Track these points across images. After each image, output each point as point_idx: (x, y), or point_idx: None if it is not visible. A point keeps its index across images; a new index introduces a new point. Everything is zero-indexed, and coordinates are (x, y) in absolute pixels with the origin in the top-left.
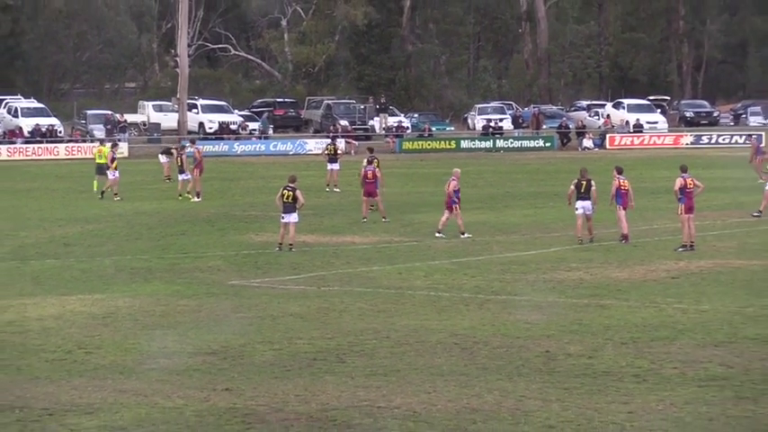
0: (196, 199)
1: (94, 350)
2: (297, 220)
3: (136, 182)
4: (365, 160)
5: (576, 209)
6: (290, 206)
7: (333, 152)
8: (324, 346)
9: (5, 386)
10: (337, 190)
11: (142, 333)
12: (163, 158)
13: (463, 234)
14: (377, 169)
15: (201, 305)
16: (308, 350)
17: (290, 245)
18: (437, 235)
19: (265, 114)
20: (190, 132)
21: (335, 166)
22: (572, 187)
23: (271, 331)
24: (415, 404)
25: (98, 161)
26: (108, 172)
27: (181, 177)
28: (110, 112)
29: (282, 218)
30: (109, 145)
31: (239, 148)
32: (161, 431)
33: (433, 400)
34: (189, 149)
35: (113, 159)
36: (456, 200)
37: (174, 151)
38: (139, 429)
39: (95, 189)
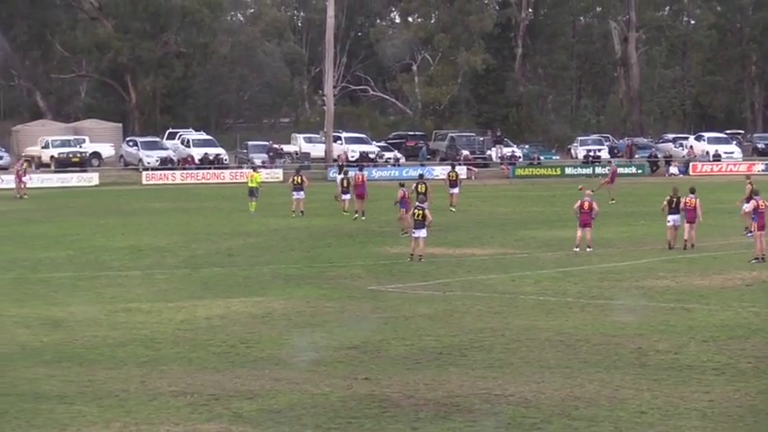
0: (362, 217)
1: (254, 344)
2: (426, 234)
3: (288, 202)
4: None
5: (668, 221)
6: (420, 223)
7: (454, 178)
8: (448, 342)
9: (179, 375)
10: (453, 209)
11: (294, 330)
12: (338, 176)
13: (589, 248)
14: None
15: (345, 307)
16: (435, 346)
17: (420, 256)
18: (575, 250)
19: (424, 147)
20: (335, 160)
21: (456, 190)
22: (665, 203)
23: (403, 329)
24: (527, 392)
25: (250, 185)
26: (293, 192)
27: (295, 196)
28: (270, 143)
29: (413, 233)
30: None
31: (377, 173)
32: (310, 414)
33: (541, 389)
34: (350, 173)
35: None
36: (593, 218)
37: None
38: (292, 412)
39: (251, 210)
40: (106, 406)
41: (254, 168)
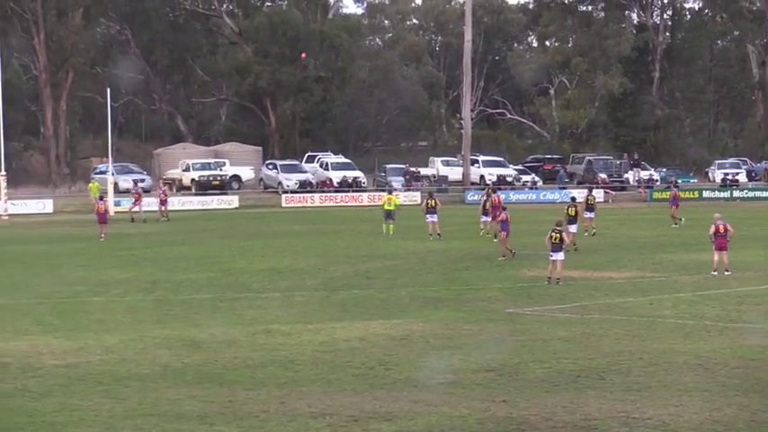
0: (494, 240)
1: (392, 366)
2: (563, 258)
3: (425, 225)
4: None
5: None
6: (557, 246)
7: (592, 202)
8: (586, 365)
9: (318, 396)
10: (586, 234)
11: (432, 352)
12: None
13: (727, 271)
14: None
15: (482, 329)
16: (572, 368)
17: (558, 279)
18: (713, 273)
19: (563, 171)
20: (473, 184)
21: (592, 215)
22: None
23: (541, 352)
24: (665, 416)
25: (386, 208)
26: (427, 215)
27: (428, 219)
28: (407, 166)
29: (551, 256)
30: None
31: (514, 196)
32: None
33: (680, 413)
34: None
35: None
36: (728, 240)
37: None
38: None
39: (385, 232)
40: (246, 426)
41: (390, 192)
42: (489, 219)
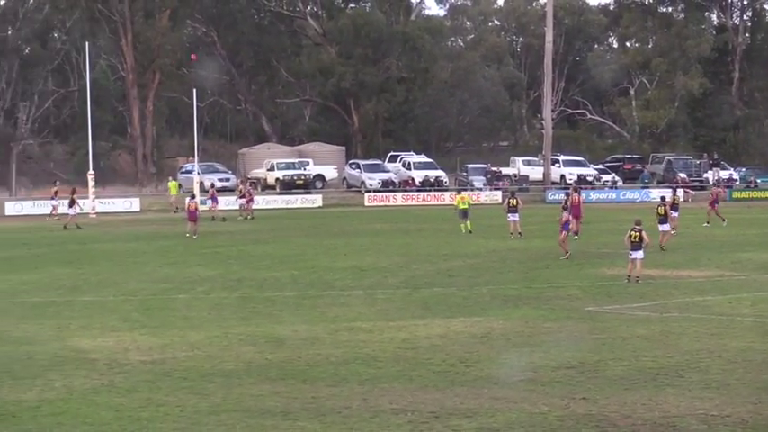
0: (575, 237)
1: (473, 363)
2: (642, 256)
3: (505, 224)
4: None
5: None
6: (636, 245)
7: (677, 202)
8: (665, 363)
9: (400, 393)
10: (672, 232)
11: (513, 350)
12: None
13: None
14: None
15: (562, 327)
16: (651, 366)
17: (637, 277)
18: None
19: (645, 171)
20: (553, 183)
21: (676, 214)
22: None
23: (620, 350)
24: (744, 413)
25: (461, 207)
26: (508, 214)
27: (510, 218)
28: (488, 165)
29: (630, 254)
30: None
31: (594, 196)
32: None
33: (759, 410)
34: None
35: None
36: None
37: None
38: (510, 431)
39: (464, 231)
40: (328, 422)
41: (459, 191)
42: (516, 218)
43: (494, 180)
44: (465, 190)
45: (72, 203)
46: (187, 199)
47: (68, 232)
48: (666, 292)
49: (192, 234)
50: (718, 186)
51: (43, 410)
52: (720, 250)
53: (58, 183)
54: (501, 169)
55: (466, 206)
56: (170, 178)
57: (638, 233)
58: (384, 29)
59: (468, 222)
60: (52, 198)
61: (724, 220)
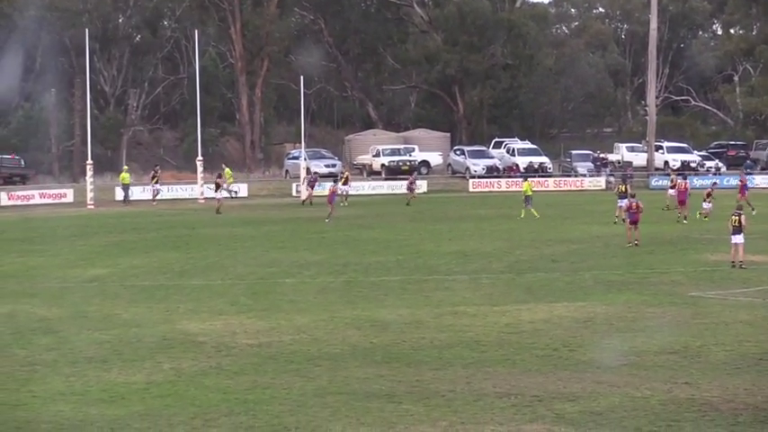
0: (684, 221)
1: (576, 348)
2: (742, 240)
3: (611, 209)
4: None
5: None
6: (737, 229)
7: None
8: None
9: (503, 377)
10: None
11: (616, 335)
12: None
13: None
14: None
15: (665, 312)
16: (755, 351)
17: (741, 262)
18: None
19: (748, 161)
20: (656, 169)
21: None
22: None
23: (723, 335)
24: None
25: (526, 193)
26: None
27: (620, 203)
28: (596, 152)
29: (732, 239)
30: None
31: (698, 182)
32: (631, 416)
33: None
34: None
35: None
36: None
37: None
38: (613, 414)
39: (533, 214)
40: (433, 405)
41: (526, 178)
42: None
43: (600, 167)
44: (569, 176)
45: (218, 187)
46: (328, 184)
47: (179, 217)
48: None
49: (326, 217)
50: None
51: (152, 392)
52: None
53: (158, 167)
54: (606, 156)
55: (530, 192)
56: (223, 166)
57: (737, 217)
58: (489, 16)
59: (531, 209)
60: (156, 183)
61: (753, 209)
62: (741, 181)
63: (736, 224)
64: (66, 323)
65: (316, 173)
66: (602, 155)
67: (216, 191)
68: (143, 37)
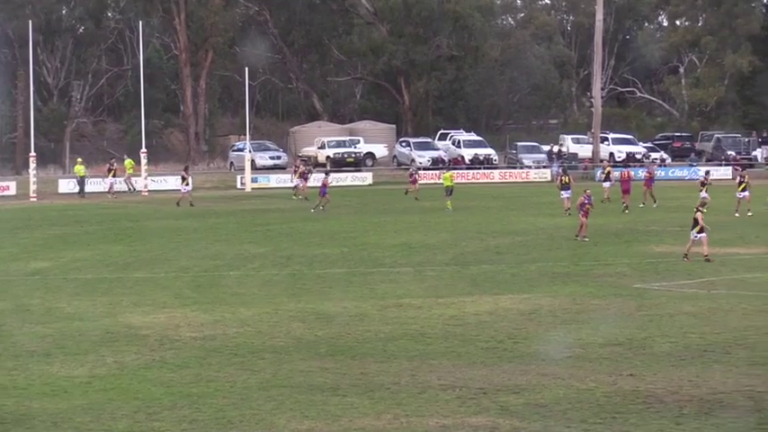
0: (626, 211)
1: (521, 340)
2: (705, 234)
3: (555, 201)
4: None
5: None
6: (696, 225)
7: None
8: (712, 339)
9: (448, 369)
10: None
11: (561, 327)
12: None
13: None
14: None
15: (610, 304)
16: (699, 343)
17: (706, 256)
18: None
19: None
20: (602, 161)
21: (746, 194)
22: None
23: (668, 327)
24: None
25: (447, 184)
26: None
27: (563, 195)
28: (552, 146)
29: (692, 235)
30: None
31: (643, 174)
32: (576, 408)
33: None
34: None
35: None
36: None
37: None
38: (558, 407)
39: (449, 207)
40: (377, 398)
41: (447, 169)
42: (569, 195)
43: (556, 159)
44: (515, 168)
45: (183, 180)
46: (322, 175)
47: (122, 210)
48: (714, 269)
49: (321, 207)
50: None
51: (94, 386)
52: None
53: (113, 160)
54: (562, 148)
55: (451, 184)
56: (124, 156)
57: (696, 214)
58: (435, 7)
59: (449, 201)
60: (113, 176)
61: (655, 202)
62: (648, 173)
63: (697, 221)
64: (8, 317)
65: (309, 166)
66: (556, 147)
67: (186, 184)
68: (87, 28)
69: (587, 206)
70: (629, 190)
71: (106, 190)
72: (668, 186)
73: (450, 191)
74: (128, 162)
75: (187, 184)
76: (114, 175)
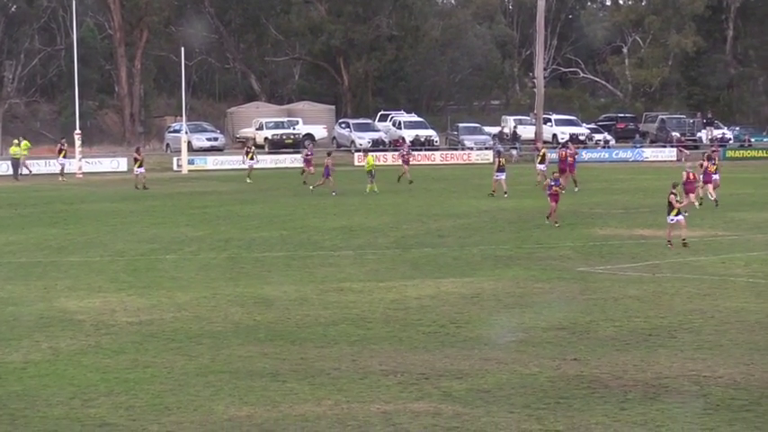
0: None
1: (464, 324)
2: (681, 217)
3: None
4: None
5: None
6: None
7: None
8: (657, 323)
9: (390, 354)
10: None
11: (504, 311)
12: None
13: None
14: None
15: (554, 288)
16: (644, 327)
17: (683, 239)
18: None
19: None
20: (545, 142)
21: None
22: None
23: (612, 310)
24: (736, 374)
25: (367, 168)
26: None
27: (496, 177)
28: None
29: (669, 218)
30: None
31: (586, 155)
32: (519, 393)
33: (751, 371)
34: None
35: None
36: None
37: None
38: (501, 392)
39: (373, 190)
40: (318, 384)
41: (366, 152)
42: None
43: (507, 141)
44: (456, 149)
45: (137, 162)
46: (327, 158)
47: (57, 193)
48: (659, 252)
49: (332, 191)
50: (569, 148)
51: (29, 372)
52: (713, 210)
53: (64, 140)
54: (516, 130)
55: (370, 167)
56: (20, 138)
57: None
58: None
59: (374, 185)
60: (63, 156)
61: (576, 186)
62: (571, 156)
63: (671, 204)
64: None
65: (310, 150)
66: (505, 129)
67: (139, 166)
68: (19, 7)
69: (555, 188)
70: (565, 170)
71: (58, 172)
72: (612, 168)
73: (370, 174)
74: (24, 144)
75: (140, 166)
76: (65, 156)
